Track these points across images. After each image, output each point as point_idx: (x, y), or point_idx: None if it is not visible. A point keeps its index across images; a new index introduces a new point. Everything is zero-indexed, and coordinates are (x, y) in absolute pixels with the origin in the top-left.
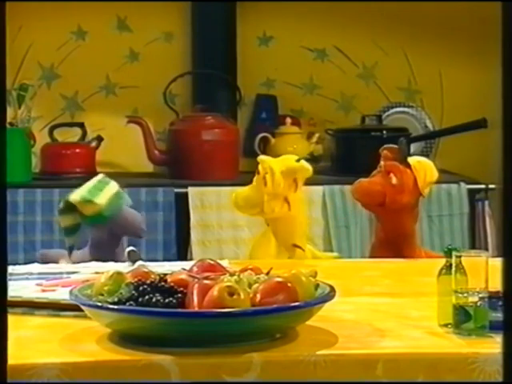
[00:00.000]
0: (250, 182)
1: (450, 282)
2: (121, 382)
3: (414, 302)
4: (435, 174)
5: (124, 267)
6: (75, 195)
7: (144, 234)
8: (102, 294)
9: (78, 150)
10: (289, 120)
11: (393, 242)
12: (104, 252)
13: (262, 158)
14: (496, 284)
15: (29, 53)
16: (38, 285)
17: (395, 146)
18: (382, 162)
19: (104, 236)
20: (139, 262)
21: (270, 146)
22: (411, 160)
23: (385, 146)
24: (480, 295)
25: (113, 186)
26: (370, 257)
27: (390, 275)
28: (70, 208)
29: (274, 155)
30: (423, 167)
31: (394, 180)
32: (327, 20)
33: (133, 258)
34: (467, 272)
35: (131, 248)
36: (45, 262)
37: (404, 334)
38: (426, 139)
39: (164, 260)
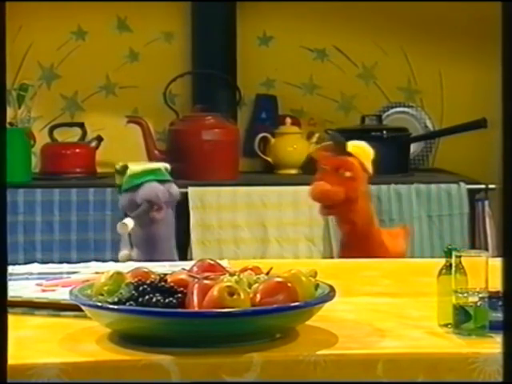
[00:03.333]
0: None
1: (450, 282)
2: (121, 382)
3: (414, 302)
4: (371, 151)
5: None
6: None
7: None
8: (102, 294)
9: (77, 150)
10: (289, 120)
11: (361, 230)
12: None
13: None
14: (496, 284)
15: (29, 53)
16: (38, 285)
17: (329, 143)
18: (322, 163)
19: (126, 204)
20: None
21: (270, 146)
22: (348, 148)
23: (317, 147)
24: (480, 295)
25: (155, 165)
26: (342, 256)
27: (389, 275)
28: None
29: (273, 155)
30: (361, 149)
31: (348, 173)
32: (327, 20)
33: (122, 230)
34: (467, 272)
35: (124, 221)
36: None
37: (404, 333)
38: (426, 139)
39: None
